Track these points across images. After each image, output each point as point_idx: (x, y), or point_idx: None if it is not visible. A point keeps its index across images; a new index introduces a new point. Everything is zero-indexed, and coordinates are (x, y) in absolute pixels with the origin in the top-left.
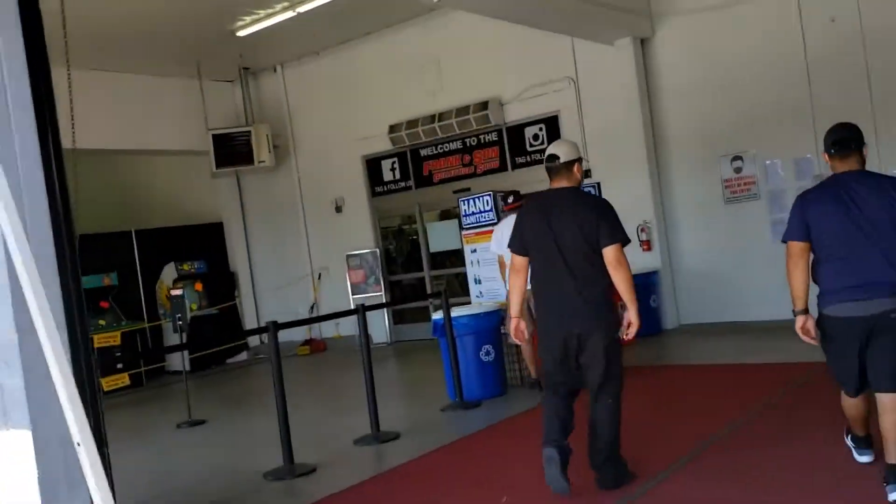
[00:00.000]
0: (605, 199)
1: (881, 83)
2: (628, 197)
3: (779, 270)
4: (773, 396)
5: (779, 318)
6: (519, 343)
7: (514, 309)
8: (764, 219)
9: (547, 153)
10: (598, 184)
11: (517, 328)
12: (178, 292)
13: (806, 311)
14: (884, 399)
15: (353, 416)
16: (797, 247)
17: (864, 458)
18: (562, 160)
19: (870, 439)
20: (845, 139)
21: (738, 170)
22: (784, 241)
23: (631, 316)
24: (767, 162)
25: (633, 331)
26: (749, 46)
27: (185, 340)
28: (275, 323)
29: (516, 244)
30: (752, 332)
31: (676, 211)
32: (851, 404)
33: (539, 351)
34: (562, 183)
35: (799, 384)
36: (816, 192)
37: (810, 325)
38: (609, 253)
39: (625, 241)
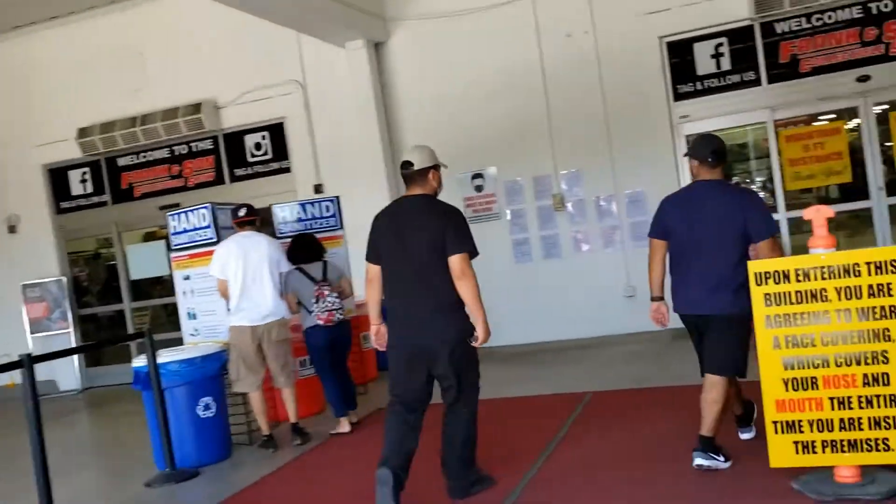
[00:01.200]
0: (455, 208)
1: (615, 101)
2: (366, 213)
3: (522, 294)
4: (558, 432)
5: (526, 341)
6: (245, 391)
7: (374, 317)
8: (506, 239)
9: (402, 159)
10: (338, 198)
11: (378, 333)
12: None
13: (660, 298)
14: (706, 378)
15: (24, 497)
16: (654, 243)
17: (746, 435)
18: (416, 167)
19: (748, 418)
20: (722, 151)
21: (478, 188)
22: (648, 237)
23: (478, 329)
24: (508, 180)
25: (479, 343)
26: (486, 58)
27: None
28: None
29: (370, 253)
30: (501, 360)
31: None
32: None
33: (389, 364)
34: (416, 190)
35: (577, 416)
36: (676, 197)
37: (663, 310)
38: (454, 263)
39: (472, 251)
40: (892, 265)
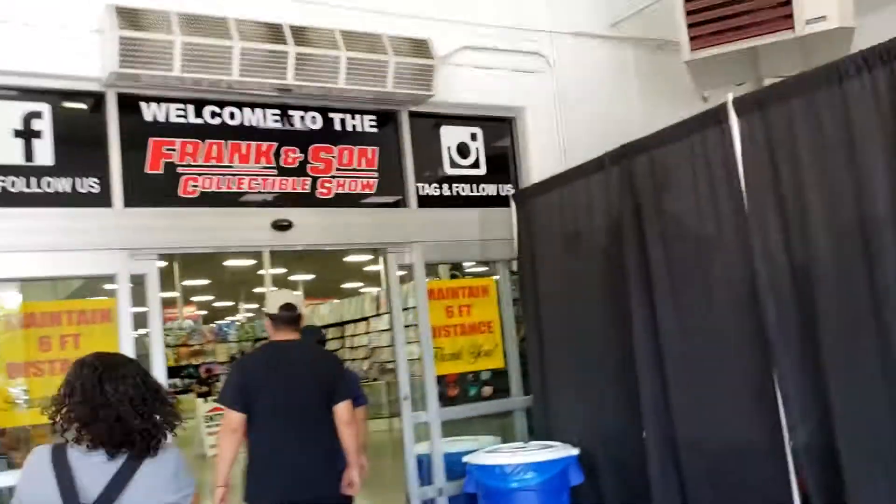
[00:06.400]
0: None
1: None
2: None
3: None
4: None
5: None
6: None
7: (222, 476)
8: None
9: (283, 302)
10: None
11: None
12: None
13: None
14: None
15: None
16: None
17: None
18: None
19: None
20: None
21: None
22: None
23: (355, 473)
24: None
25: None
26: None
27: None
28: None
29: (237, 398)
30: None
31: None
32: None
33: None
34: (291, 335)
35: None
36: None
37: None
38: (344, 410)
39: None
40: None
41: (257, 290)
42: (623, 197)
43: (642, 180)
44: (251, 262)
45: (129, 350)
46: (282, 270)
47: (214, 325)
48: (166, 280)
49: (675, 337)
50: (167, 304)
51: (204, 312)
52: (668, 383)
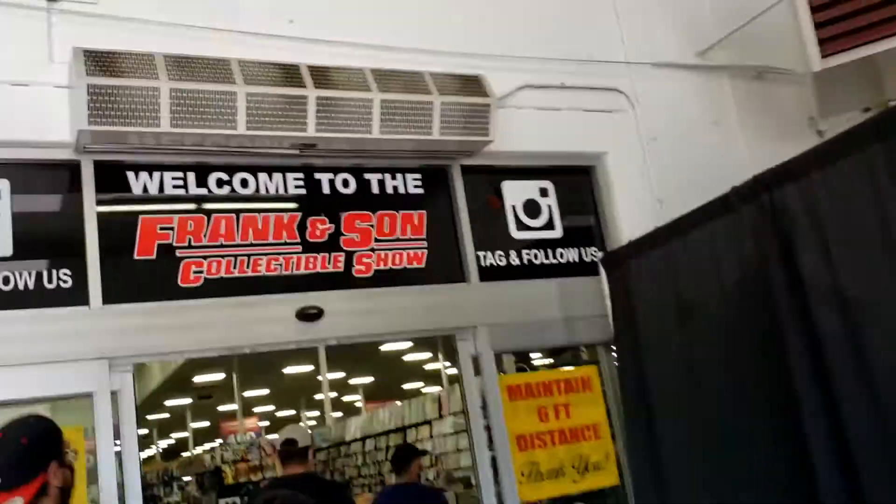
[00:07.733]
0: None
1: None
2: None
3: None
4: None
5: None
6: None
7: None
8: None
9: (284, 438)
10: None
11: None
12: None
13: None
14: None
15: None
16: None
17: None
18: (300, 444)
19: None
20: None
21: None
22: None
23: None
24: None
25: None
26: None
27: None
28: None
29: None
30: None
31: None
32: None
33: None
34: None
35: None
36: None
37: None
38: None
39: None
40: None
41: (318, 396)
42: (766, 245)
43: (795, 218)
44: (310, 367)
45: (110, 493)
46: (340, 374)
47: (276, 437)
48: (226, 392)
49: (875, 436)
50: (228, 417)
51: (266, 423)
52: None
